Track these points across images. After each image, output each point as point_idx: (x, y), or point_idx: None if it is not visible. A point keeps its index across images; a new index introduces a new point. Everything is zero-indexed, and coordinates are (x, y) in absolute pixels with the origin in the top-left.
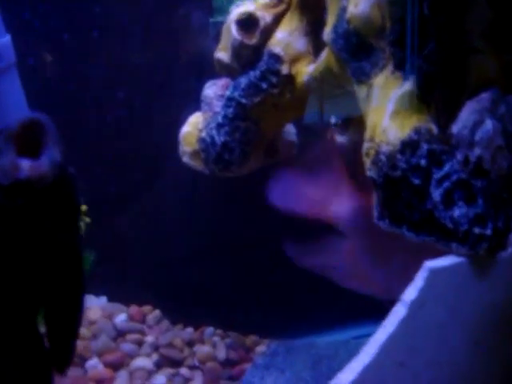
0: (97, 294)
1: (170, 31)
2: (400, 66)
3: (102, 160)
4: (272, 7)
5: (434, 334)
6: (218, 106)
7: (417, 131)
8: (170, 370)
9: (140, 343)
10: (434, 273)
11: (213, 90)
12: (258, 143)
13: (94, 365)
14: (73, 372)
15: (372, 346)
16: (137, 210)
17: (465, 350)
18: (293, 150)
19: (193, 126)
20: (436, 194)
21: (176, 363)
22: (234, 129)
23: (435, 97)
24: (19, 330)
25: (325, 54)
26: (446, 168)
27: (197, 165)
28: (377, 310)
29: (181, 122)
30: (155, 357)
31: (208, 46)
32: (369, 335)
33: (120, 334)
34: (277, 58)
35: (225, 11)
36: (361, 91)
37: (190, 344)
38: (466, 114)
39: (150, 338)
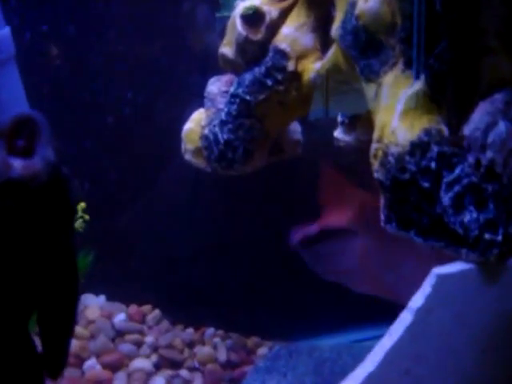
0: (96, 292)
1: (175, 26)
2: (410, 65)
3: (102, 157)
4: (278, 2)
5: (441, 342)
6: (221, 102)
7: (427, 132)
8: (169, 372)
9: (139, 344)
10: (441, 279)
11: (217, 86)
12: (263, 141)
13: (92, 365)
14: (70, 373)
15: (377, 353)
16: (137, 209)
17: (471, 358)
18: (298, 148)
19: (196, 123)
20: (446, 199)
21: (176, 365)
22: (237, 126)
23: (446, 97)
24: (10, 335)
25: (332, 51)
26: (457, 171)
27: (199, 163)
28: (381, 314)
29: (184, 118)
30: (154, 358)
31: (213, 41)
32: (372, 338)
33: (119, 334)
34: (283, 54)
35: (231, 6)
36: (369, 90)
37: (191, 345)
38: (479, 116)
39: (149, 339)
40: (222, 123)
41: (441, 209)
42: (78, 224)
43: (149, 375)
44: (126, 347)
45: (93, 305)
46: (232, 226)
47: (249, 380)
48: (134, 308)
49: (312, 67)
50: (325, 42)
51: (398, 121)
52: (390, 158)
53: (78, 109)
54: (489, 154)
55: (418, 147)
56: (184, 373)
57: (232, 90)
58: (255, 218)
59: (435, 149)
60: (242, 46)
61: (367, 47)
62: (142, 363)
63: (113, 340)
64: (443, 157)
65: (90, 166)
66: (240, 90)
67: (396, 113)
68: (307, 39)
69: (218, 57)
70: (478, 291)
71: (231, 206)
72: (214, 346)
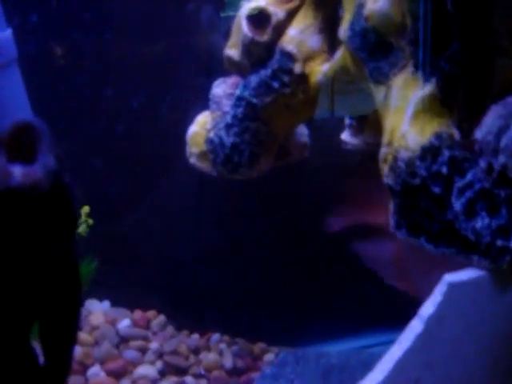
0: (100, 298)
1: (178, 26)
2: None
3: (105, 161)
4: (285, 2)
5: (452, 350)
6: (227, 105)
7: (438, 136)
8: (174, 379)
9: (144, 350)
10: (453, 287)
11: (222, 88)
12: (269, 145)
13: (96, 372)
14: (73, 380)
15: (387, 361)
16: (141, 214)
17: (483, 366)
18: (305, 151)
19: (201, 126)
20: (457, 204)
21: (181, 371)
22: (243, 129)
23: (458, 100)
24: (11, 345)
25: (340, 53)
26: (469, 176)
27: (204, 166)
28: (389, 319)
29: (188, 121)
30: (159, 364)
31: (218, 41)
32: (381, 344)
33: (123, 340)
34: (289, 56)
35: (237, 6)
36: (378, 92)
37: (196, 351)
38: (491, 119)
39: (154, 345)
40: (228, 126)
41: (452, 215)
42: (82, 229)
43: (153, 382)
44: (130, 354)
45: (97, 311)
46: (237, 232)
47: None
48: (138, 313)
49: (319, 69)
50: (332, 44)
51: (409, 124)
52: (400, 163)
53: (79, 112)
54: (501, 159)
55: (428, 151)
56: (189, 380)
57: (238, 92)
58: (261, 223)
59: (446, 153)
60: (248, 47)
61: (376, 49)
62: (146, 370)
63: (117, 346)
64: (454, 161)
65: (93, 170)
66: (246, 93)
67: (406, 116)
68: (314, 41)
69: (224, 59)
70: (490, 299)
71: (237, 211)
72: (219, 352)
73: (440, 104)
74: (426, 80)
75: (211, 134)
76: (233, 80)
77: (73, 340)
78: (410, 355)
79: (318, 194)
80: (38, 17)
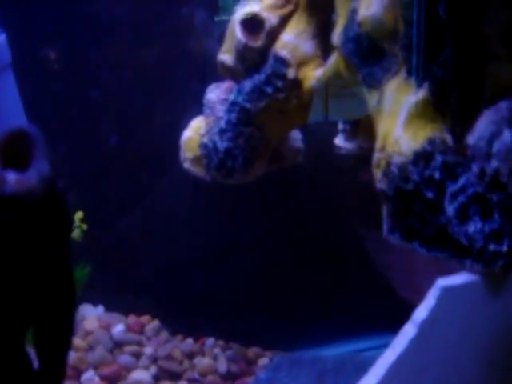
0: (94, 303)
1: (172, 31)
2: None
3: (100, 166)
4: (278, 8)
5: (445, 354)
6: (221, 110)
7: (431, 142)
8: None
9: (138, 355)
10: (446, 291)
11: (216, 93)
12: (263, 150)
13: (90, 378)
14: None
15: (380, 366)
16: (135, 218)
17: (477, 370)
18: (299, 156)
19: (194, 131)
20: (450, 209)
21: (175, 376)
22: (237, 134)
23: (450, 105)
24: (4, 350)
25: (333, 58)
26: (461, 181)
27: (198, 171)
28: (383, 323)
29: (182, 126)
30: (153, 369)
31: (212, 45)
32: (375, 348)
33: (117, 345)
34: (283, 62)
35: (230, 10)
36: (371, 97)
37: (190, 356)
38: (483, 124)
39: (148, 350)
40: (222, 131)
41: (445, 219)
42: (76, 234)
43: None
44: (124, 359)
45: (91, 316)
46: (231, 236)
47: None
48: (132, 318)
49: (313, 74)
50: (326, 49)
51: (401, 130)
52: (393, 168)
53: (73, 116)
54: (494, 164)
55: (421, 157)
56: None
57: (231, 97)
58: (255, 227)
59: (439, 158)
60: (242, 53)
61: (369, 54)
62: (140, 375)
63: (111, 351)
64: (447, 166)
65: (87, 175)
66: (240, 98)
67: (399, 121)
68: (307, 46)
69: (217, 64)
70: (483, 302)
71: (230, 215)
72: (214, 356)
73: (433, 109)
74: (419, 85)
75: (205, 139)
76: (226, 85)
77: (67, 345)
78: (403, 359)
79: (311, 198)
80: (32, 21)
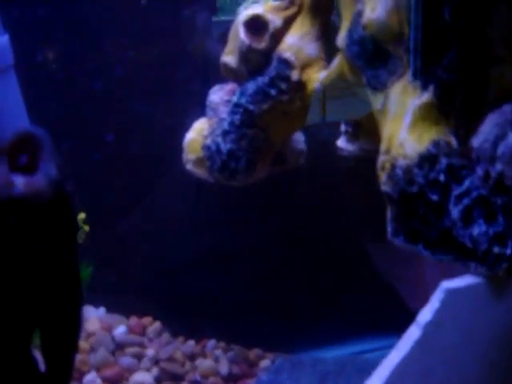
0: (95, 304)
1: (170, 31)
2: (417, 74)
3: (101, 168)
4: (282, 10)
5: (449, 356)
6: (224, 111)
7: (435, 144)
8: None
9: (140, 357)
10: (450, 294)
11: (219, 95)
12: (266, 152)
13: (92, 379)
14: None
15: (385, 368)
16: (137, 220)
17: (480, 372)
18: (301, 158)
19: (197, 133)
20: (455, 212)
21: (177, 378)
22: (240, 136)
23: (455, 108)
24: (11, 353)
25: (338, 61)
26: (466, 184)
27: (201, 173)
28: (384, 325)
29: (185, 127)
30: (155, 371)
31: (211, 45)
32: (375, 350)
33: (119, 346)
34: (287, 64)
35: (228, 10)
36: (376, 100)
37: (192, 358)
38: (488, 127)
39: (150, 352)
40: (225, 133)
41: (449, 222)
42: (79, 235)
43: None
44: (126, 360)
45: (92, 317)
46: (233, 237)
47: None
48: (134, 320)
49: (316, 77)
50: (329, 51)
51: (406, 132)
52: (398, 171)
53: (76, 118)
54: (498, 167)
55: (426, 159)
56: None
57: (235, 99)
58: (256, 229)
59: (444, 161)
60: (245, 54)
61: (374, 57)
62: (142, 377)
63: (113, 353)
64: (452, 169)
65: (89, 176)
66: (243, 100)
67: (404, 124)
68: (311, 48)
69: (220, 65)
70: (487, 305)
71: (232, 216)
72: (215, 358)
73: (437, 112)
74: (417, 80)
75: (208, 141)
76: (230, 87)
77: (74, 348)
78: (407, 361)
79: (313, 200)
80: (33, 22)
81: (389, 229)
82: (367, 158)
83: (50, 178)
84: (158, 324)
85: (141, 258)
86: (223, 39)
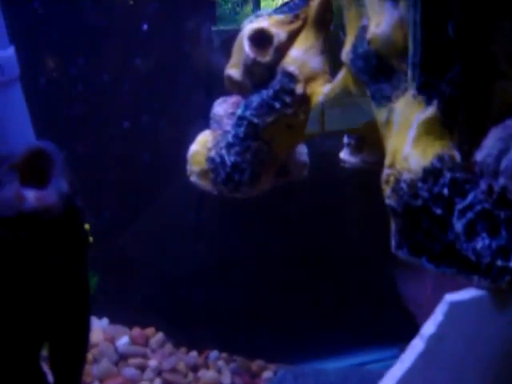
0: (98, 315)
1: (174, 42)
2: (422, 89)
3: (105, 178)
4: (287, 24)
5: (452, 369)
6: (228, 124)
7: (440, 159)
8: None
9: (143, 368)
10: (454, 306)
11: (223, 107)
12: (270, 164)
13: None
14: None
15: (388, 381)
16: (140, 231)
17: None
18: (305, 170)
19: (201, 145)
20: (459, 225)
21: None
22: (244, 149)
23: (458, 122)
24: (21, 365)
25: (342, 75)
26: (470, 198)
27: (205, 185)
28: (385, 336)
29: (189, 139)
30: (158, 382)
31: (212, 55)
32: (378, 361)
33: (122, 357)
34: (291, 77)
35: (227, 19)
36: (380, 114)
37: (194, 369)
38: (491, 142)
39: (152, 363)
40: (229, 146)
41: (453, 235)
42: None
43: None
44: (129, 371)
45: (95, 328)
46: (235, 249)
47: None
48: (137, 331)
49: (321, 90)
50: (334, 65)
51: (411, 147)
52: (403, 185)
53: (79, 129)
54: (501, 181)
55: (430, 173)
56: None
57: (239, 112)
58: (258, 241)
59: (448, 175)
60: (250, 67)
61: (379, 72)
62: None
63: (116, 364)
64: (456, 183)
65: (92, 187)
66: (247, 113)
67: (408, 138)
68: (316, 62)
69: (225, 78)
70: (490, 318)
71: (234, 228)
72: (218, 369)
73: (441, 126)
74: (421, 95)
75: (212, 153)
76: (234, 99)
77: (82, 360)
78: (411, 374)
79: (316, 211)
80: (36, 33)
81: (393, 242)
82: (370, 171)
83: (60, 193)
84: (160, 335)
85: (144, 269)
86: (224, 48)
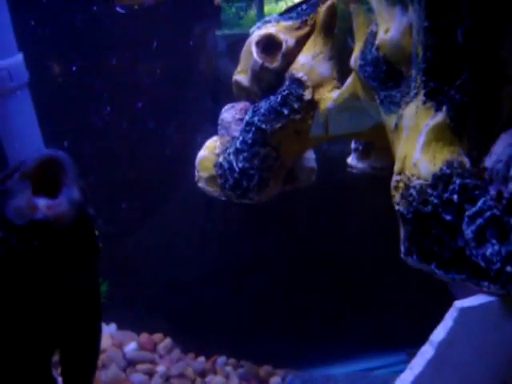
0: (106, 321)
1: (181, 48)
2: (431, 95)
3: (112, 185)
4: (295, 30)
5: (462, 374)
6: (236, 130)
7: (449, 165)
8: None
9: (151, 373)
10: (463, 312)
11: (231, 113)
12: (278, 170)
13: None
14: None
15: None
16: (148, 237)
17: None
18: (313, 176)
19: (209, 151)
20: (468, 231)
21: None
22: (253, 155)
23: (467, 128)
24: (32, 373)
25: (350, 80)
26: (479, 204)
27: (213, 190)
28: (392, 342)
29: (196, 145)
30: None
31: (218, 59)
32: (387, 366)
33: (130, 363)
34: (299, 83)
35: (231, 24)
36: (389, 121)
37: (202, 374)
38: (500, 147)
39: (160, 368)
40: (237, 151)
41: (463, 241)
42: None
43: None
44: (137, 377)
45: (104, 334)
46: (243, 255)
47: None
48: (144, 336)
49: (329, 96)
50: (342, 71)
51: (420, 153)
52: (412, 191)
53: (87, 134)
54: (511, 187)
55: (440, 180)
56: None
57: (247, 118)
58: (267, 247)
59: (457, 181)
60: (258, 73)
61: (388, 78)
62: None
63: (124, 370)
64: (465, 189)
65: (100, 193)
66: (255, 119)
67: (418, 145)
68: (324, 68)
69: (233, 84)
70: (499, 323)
71: (243, 234)
72: (226, 375)
73: (451, 132)
74: (431, 101)
75: (220, 159)
76: (242, 105)
77: (92, 367)
78: (421, 379)
79: (324, 217)
80: (44, 40)
81: (402, 248)
82: (377, 176)
83: (72, 201)
84: (168, 340)
85: (151, 275)
86: (229, 52)
